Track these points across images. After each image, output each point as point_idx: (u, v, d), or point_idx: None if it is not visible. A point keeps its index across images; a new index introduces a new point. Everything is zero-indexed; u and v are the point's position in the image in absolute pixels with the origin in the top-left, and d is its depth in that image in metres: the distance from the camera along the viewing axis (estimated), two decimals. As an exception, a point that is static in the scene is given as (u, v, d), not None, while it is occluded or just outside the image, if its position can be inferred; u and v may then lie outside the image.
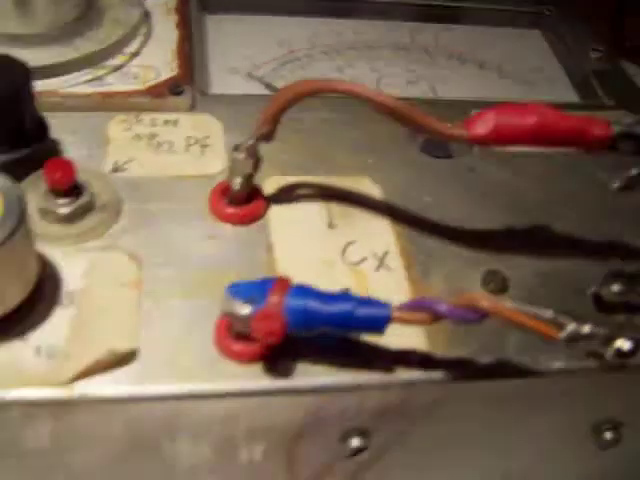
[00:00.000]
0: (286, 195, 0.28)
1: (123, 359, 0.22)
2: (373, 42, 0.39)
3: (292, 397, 0.23)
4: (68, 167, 0.25)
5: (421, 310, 0.22)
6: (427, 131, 0.25)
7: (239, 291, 0.22)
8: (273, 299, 0.22)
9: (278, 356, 0.23)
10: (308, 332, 0.22)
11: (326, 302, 0.22)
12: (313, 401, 0.23)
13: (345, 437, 0.25)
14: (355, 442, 0.25)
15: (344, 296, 0.22)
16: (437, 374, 0.24)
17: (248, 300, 0.22)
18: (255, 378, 0.23)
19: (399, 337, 0.24)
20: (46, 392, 0.22)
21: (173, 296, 0.24)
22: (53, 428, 0.22)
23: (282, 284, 0.22)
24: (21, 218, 0.21)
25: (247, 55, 0.37)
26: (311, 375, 0.23)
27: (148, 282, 0.25)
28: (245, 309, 0.22)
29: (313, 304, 0.22)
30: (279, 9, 0.40)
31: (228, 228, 0.27)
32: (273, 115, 0.26)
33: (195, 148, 0.30)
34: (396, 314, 0.22)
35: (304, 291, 0.22)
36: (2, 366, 0.22)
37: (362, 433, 0.25)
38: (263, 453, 0.25)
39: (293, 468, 0.26)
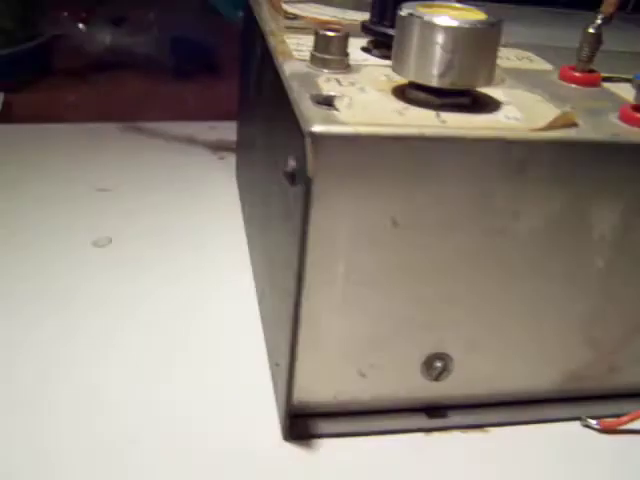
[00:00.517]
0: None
1: (572, 122, 0.30)
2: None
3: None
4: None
5: None
6: None
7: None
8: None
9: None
10: None
11: None
12: None
13: None
14: None
15: None
16: None
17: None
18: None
19: None
20: (522, 134, 0.29)
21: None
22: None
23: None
24: (499, 23, 0.30)
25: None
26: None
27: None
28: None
29: None
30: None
31: (574, 87, 0.36)
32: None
33: (524, 60, 0.39)
34: None
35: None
36: (487, 123, 0.29)
37: None
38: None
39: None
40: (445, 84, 0.29)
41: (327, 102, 0.29)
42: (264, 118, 0.39)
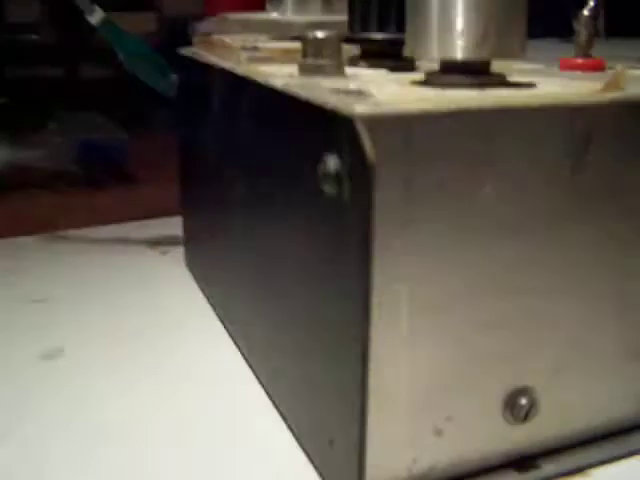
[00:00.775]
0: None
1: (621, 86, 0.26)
2: None
3: None
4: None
5: None
6: None
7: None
8: None
9: None
10: None
11: None
12: None
13: None
14: None
15: None
16: None
17: None
18: None
19: None
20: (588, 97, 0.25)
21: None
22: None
23: None
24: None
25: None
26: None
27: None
28: None
29: None
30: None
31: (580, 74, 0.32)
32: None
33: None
34: None
35: None
36: (542, 93, 0.25)
37: None
38: None
39: None
40: (482, 55, 0.25)
41: (356, 92, 0.24)
42: (249, 156, 0.33)
